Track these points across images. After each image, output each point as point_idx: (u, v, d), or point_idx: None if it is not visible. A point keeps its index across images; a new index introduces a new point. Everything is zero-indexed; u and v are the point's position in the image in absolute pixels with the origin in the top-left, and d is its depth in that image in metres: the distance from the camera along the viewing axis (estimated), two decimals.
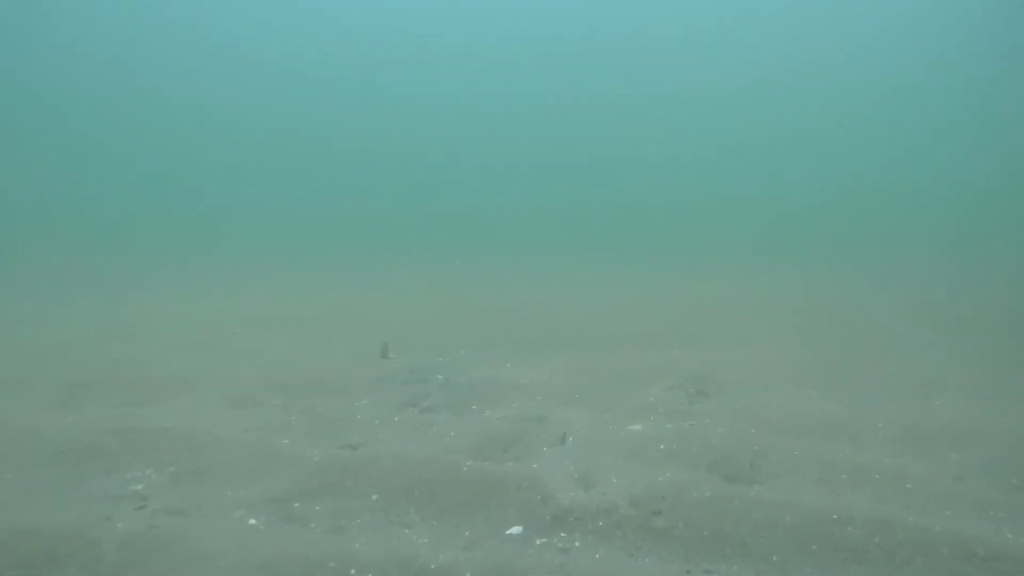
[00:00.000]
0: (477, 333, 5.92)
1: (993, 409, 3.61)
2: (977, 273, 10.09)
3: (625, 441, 3.02)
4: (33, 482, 2.61)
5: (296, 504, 2.38)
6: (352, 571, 1.93)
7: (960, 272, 10.29)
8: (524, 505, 2.32)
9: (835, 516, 2.14)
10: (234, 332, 5.89)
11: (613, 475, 2.61)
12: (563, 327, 6.17)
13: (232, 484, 2.52)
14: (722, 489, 2.43)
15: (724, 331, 5.93)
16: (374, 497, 2.43)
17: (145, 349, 5.09)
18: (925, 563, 1.97)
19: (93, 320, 6.83)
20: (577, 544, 2.12)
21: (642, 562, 2.03)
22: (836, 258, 12.19)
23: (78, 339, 5.73)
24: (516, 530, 2.19)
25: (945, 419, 3.36)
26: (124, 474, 2.65)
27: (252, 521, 2.24)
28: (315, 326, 6.14)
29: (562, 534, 2.18)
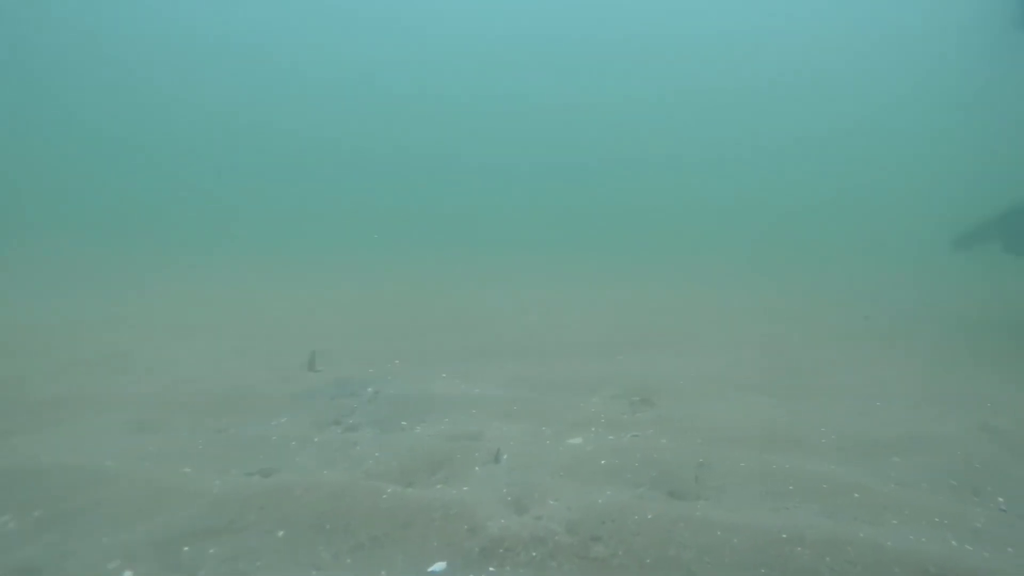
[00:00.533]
0: (415, 341, 5.63)
1: (931, 415, 3.60)
2: (938, 284, 10.50)
3: (564, 457, 2.81)
4: None
5: (186, 548, 2.05)
6: None
7: (922, 283, 10.68)
8: (449, 536, 2.07)
9: (784, 535, 1.99)
10: (140, 343, 5.39)
11: (550, 496, 2.40)
12: (507, 335, 5.95)
13: (111, 528, 2.17)
14: (666, 508, 2.25)
15: (673, 339, 5.86)
16: (280, 534, 2.13)
17: (29, 365, 4.55)
18: None
19: None
20: None
21: None
22: (805, 269, 12.47)
23: None
24: (439, 567, 1.94)
25: (887, 425, 3.32)
26: None
27: (127, 574, 1.91)
28: (236, 335, 5.70)
29: (491, 568, 1.95)
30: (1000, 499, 2.57)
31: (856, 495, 2.45)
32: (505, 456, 2.85)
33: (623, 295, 9.26)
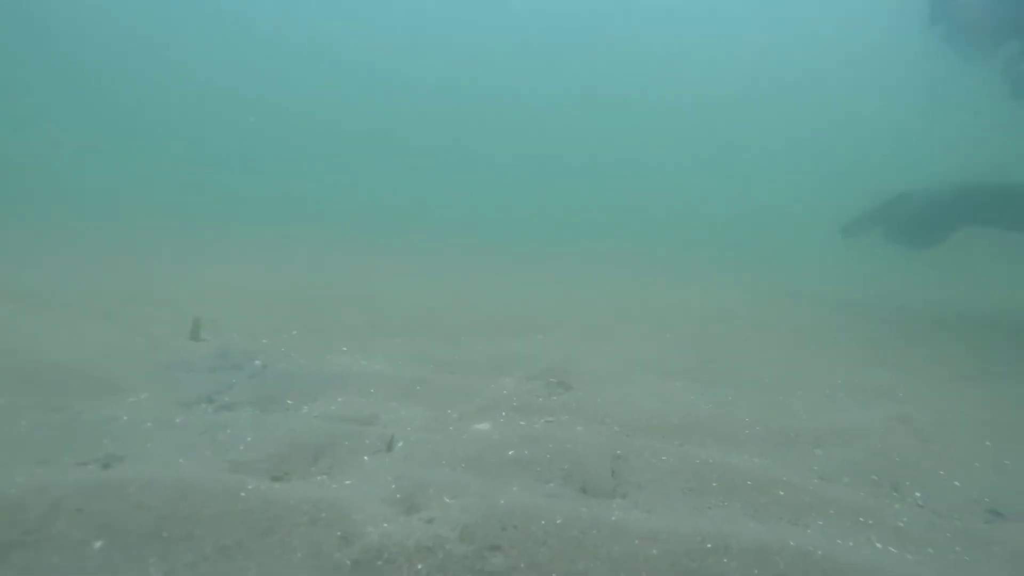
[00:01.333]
0: (320, 314, 5.13)
1: (850, 405, 3.54)
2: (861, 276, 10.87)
3: (468, 445, 2.48)
4: None
5: None
6: None
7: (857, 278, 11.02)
8: (317, 546, 1.69)
9: (709, 545, 1.74)
10: None
11: (446, 493, 2.06)
12: (419, 312, 5.55)
13: None
14: (578, 509, 1.96)
15: (600, 324, 5.65)
16: (98, 545, 1.68)
17: None
18: None
19: None
20: None
21: None
22: (752, 264, 12.61)
23: None
24: None
25: (808, 416, 3.21)
26: None
27: None
28: (104, 301, 4.99)
29: None
30: (917, 493, 2.47)
31: (781, 492, 2.26)
32: (400, 443, 2.49)
33: (551, 278, 9.05)
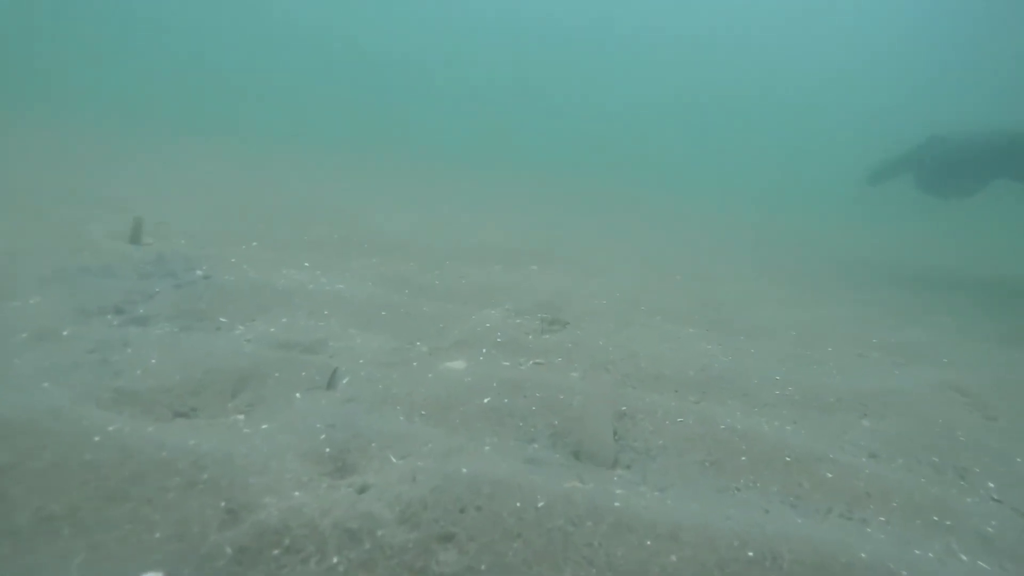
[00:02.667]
0: (286, 227, 4.53)
1: (889, 367, 3.02)
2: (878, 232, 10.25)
3: (433, 387, 1.95)
4: None
5: None
6: None
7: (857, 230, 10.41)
8: (186, 522, 1.17)
9: (750, 553, 1.23)
10: None
11: (393, 450, 1.54)
12: (405, 232, 4.95)
13: None
14: (567, 485, 1.45)
15: (599, 257, 5.06)
16: None
17: None
18: None
19: None
20: None
21: None
22: (757, 211, 11.93)
23: None
24: None
25: (844, 377, 2.68)
26: None
27: None
28: (41, 199, 4.37)
29: None
30: (991, 484, 1.97)
31: (828, 473, 1.75)
32: (346, 379, 1.95)
33: (554, 210, 8.42)
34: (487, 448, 1.67)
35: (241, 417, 1.71)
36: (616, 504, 1.33)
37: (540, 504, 1.29)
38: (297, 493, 1.27)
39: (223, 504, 1.19)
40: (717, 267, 5.32)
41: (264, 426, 1.60)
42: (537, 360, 2.43)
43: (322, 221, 4.91)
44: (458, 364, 2.26)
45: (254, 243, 3.83)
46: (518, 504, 1.28)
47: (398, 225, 5.14)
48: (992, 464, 2.08)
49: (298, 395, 1.81)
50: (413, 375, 2.04)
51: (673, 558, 1.19)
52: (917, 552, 1.44)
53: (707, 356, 2.66)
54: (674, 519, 1.31)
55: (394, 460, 1.51)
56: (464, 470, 1.38)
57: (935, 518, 1.65)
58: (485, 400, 1.91)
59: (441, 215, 6.21)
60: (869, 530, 1.57)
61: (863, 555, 1.27)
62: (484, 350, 2.46)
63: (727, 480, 1.69)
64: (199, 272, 2.95)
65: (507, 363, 2.37)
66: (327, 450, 1.49)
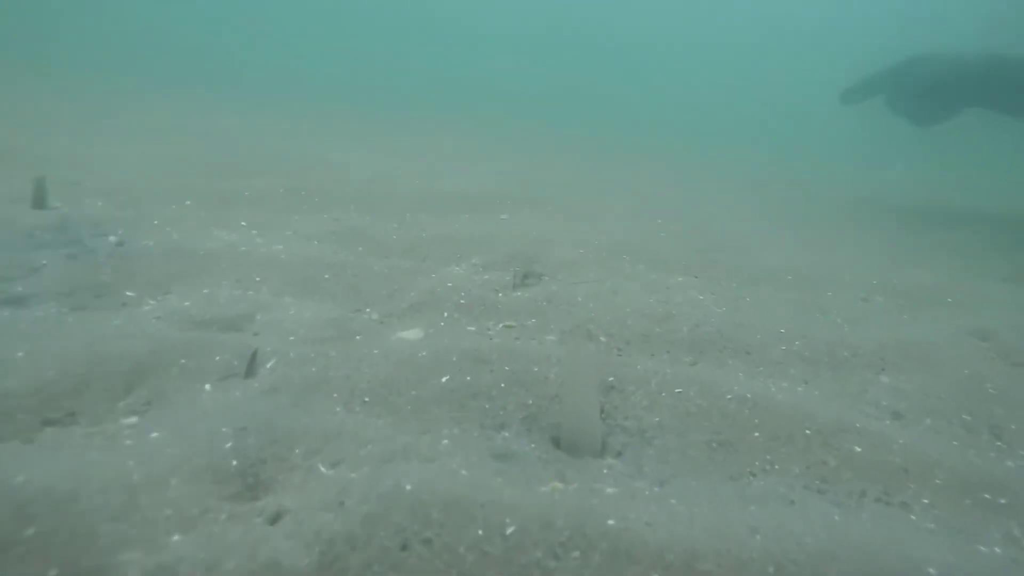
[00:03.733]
0: (230, 180, 4.05)
1: (901, 313, 2.75)
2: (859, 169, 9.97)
3: (381, 366, 1.61)
4: None
5: None
6: None
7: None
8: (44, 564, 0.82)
9: (770, 569, 0.93)
10: None
11: (322, 458, 1.20)
12: (364, 181, 4.50)
13: None
14: (542, 492, 1.13)
15: (576, 200, 4.68)
16: None
17: None
18: None
19: None
20: None
21: None
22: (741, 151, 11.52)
23: None
24: None
25: (855, 327, 2.40)
26: None
27: None
28: None
29: None
30: None
31: (856, 447, 1.47)
32: (271, 362, 1.59)
33: (528, 148, 7.95)
34: (444, 443, 1.34)
35: (133, 420, 1.35)
36: (610, 522, 1.01)
37: (510, 530, 0.97)
38: (177, 537, 0.93)
39: (54, 573, 0.84)
40: (706, 211, 4.99)
41: (154, 435, 1.24)
42: (507, 323, 2.09)
43: (273, 172, 4.42)
44: (413, 333, 1.91)
45: (187, 201, 3.38)
46: (480, 532, 0.96)
47: (360, 174, 4.68)
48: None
49: (208, 387, 1.45)
50: (357, 351, 1.68)
51: None
52: (982, 549, 1.17)
53: (701, 308, 2.35)
54: (687, 539, 1.00)
55: (323, 470, 1.17)
56: (408, 486, 1.04)
57: (986, 496, 1.38)
58: (443, 379, 1.57)
59: (415, 164, 5.74)
60: (913, 517, 1.29)
61: (931, 571, 0.98)
62: (445, 313, 2.11)
63: (740, 464, 1.39)
64: (112, 238, 2.52)
65: (472, 328, 2.03)
66: (233, 463, 1.14)
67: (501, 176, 5.33)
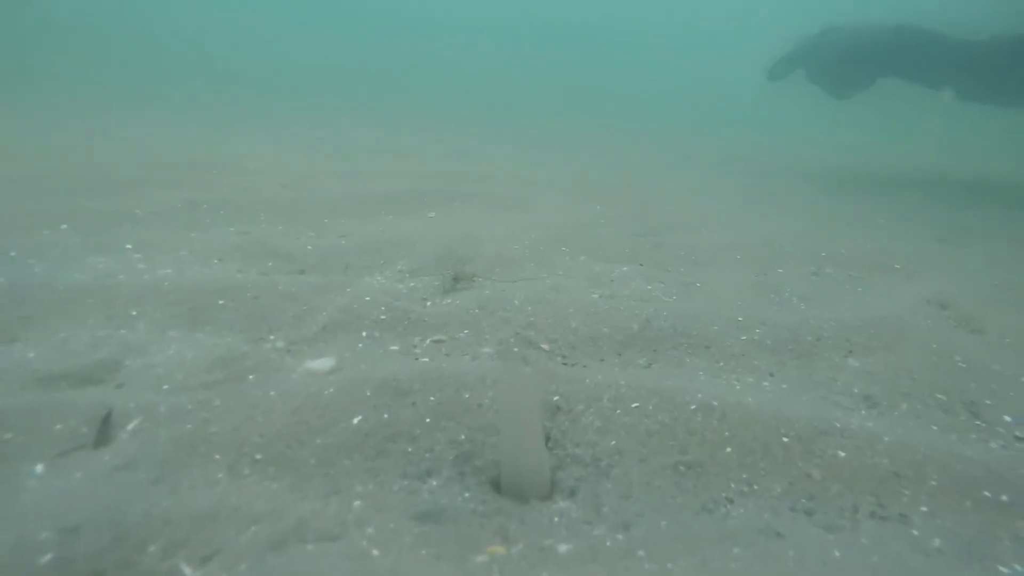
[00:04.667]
0: (121, 195, 3.59)
1: (854, 286, 2.63)
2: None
3: (278, 412, 1.31)
4: None
5: None
6: None
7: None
8: None
9: None
10: None
11: (187, 557, 0.91)
12: (279, 186, 4.11)
13: None
14: (478, 565, 0.88)
15: (509, 192, 4.43)
16: None
17: None
18: None
19: None
20: None
21: None
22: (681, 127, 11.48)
23: None
24: None
25: (813, 306, 2.25)
26: None
27: None
28: None
29: None
30: (1007, 418, 1.58)
31: (840, 452, 1.28)
32: (135, 422, 1.27)
33: (460, 140, 7.63)
34: (356, 505, 1.07)
35: None
36: None
37: None
38: None
39: None
40: (647, 192, 4.83)
41: None
42: (436, 337, 1.83)
43: (175, 183, 3.98)
44: (323, 363, 1.62)
45: (63, 226, 2.94)
46: None
47: (274, 179, 4.28)
48: (1000, 391, 1.70)
49: (39, 468, 1.12)
50: (249, 395, 1.38)
51: None
52: (1003, 571, 0.99)
53: (650, 301, 2.14)
54: None
55: (187, 573, 0.88)
56: None
57: (986, 494, 1.21)
58: (355, 420, 1.29)
59: (337, 163, 5.35)
60: (916, 533, 1.10)
61: None
62: (364, 333, 1.83)
63: (714, 489, 1.18)
64: None
65: (395, 347, 1.75)
66: None
67: (429, 171, 5.03)
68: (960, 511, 1.17)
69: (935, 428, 1.50)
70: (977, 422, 1.56)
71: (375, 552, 0.92)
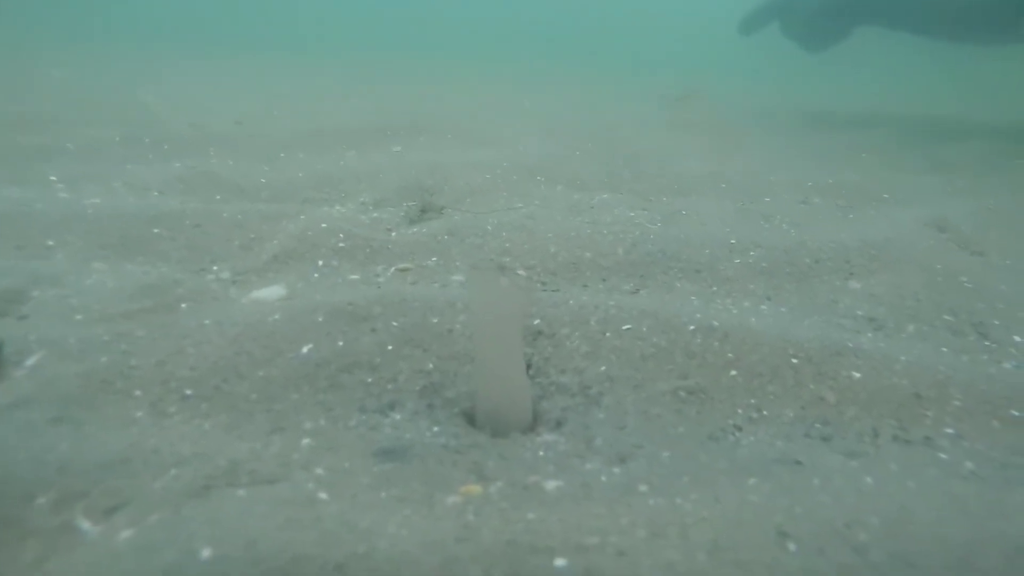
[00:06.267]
0: (57, 130, 3.24)
1: (844, 211, 2.50)
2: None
3: (212, 342, 1.12)
4: None
5: None
6: None
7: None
8: None
9: None
10: None
11: (84, 509, 0.73)
12: (231, 122, 3.78)
13: None
14: (431, 531, 0.72)
15: (478, 124, 4.16)
16: None
17: None
18: None
19: None
20: None
21: None
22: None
23: None
24: None
25: (805, 229, 2.12)
26: None
27: None
28: None
29: None
30: (1016, 338, 1.47)
31: (855, 373, 1.15)
32: (35, 357, 1.06)
33: (420, 79, 7.25)
34: (305, 443, 0.90)
35: None
36: (558, 561, 0.61)
37: None
38: None
39: None
40: (621, 130, 4.61)
41: None
42: (401, 265, 1.64)
43: (115, 122, 3.62)
44: (272, 291, 1.42)
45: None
46: None
47: (226, 117, 3.94)
48: (1008, 311, 1.59)
49: None
50: (179, 325, 1.18)
51: None
52: None
53: (635, 226, 1.97)
54: (687, 567, 0.61)
55: (84, 527, 0.70)
56: (206, 551, 0.59)
57: (1014, 412, 1.09)
58: (304, 349, 1.10)
59: (296, 103, 4.99)
60: (944, 456, 0.98)
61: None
62: (320, 262, 1.63)
63: (720, 416, 1.03)
64: None
65: (356, 276, 1.56)
66: None
67: (393, 106, 4.72)
68: (989, 432, 1.05)
69: (945, 350, 1.38)
70: (987, 343, 1.45)
71: (322, 495, 0.75)
